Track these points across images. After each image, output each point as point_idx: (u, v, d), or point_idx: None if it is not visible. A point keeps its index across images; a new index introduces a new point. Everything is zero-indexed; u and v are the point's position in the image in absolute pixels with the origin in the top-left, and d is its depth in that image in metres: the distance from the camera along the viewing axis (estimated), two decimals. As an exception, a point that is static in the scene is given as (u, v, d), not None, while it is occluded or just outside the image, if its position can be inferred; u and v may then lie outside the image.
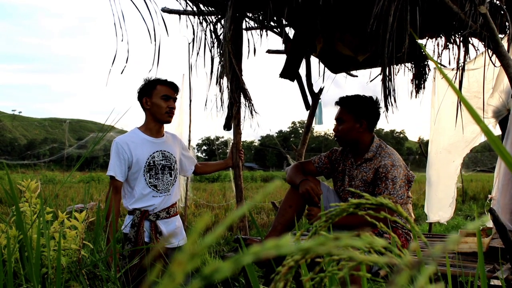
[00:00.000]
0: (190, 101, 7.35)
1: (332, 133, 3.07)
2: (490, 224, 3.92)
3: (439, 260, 2.60)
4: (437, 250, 0.31)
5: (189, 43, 3.41)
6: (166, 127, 2.94)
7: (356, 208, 0.49)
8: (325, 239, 0.32)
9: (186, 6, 3.30)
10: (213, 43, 3.43)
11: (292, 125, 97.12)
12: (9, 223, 1.23)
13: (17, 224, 1.07)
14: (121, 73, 2.84)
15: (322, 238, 0.32)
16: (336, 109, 2.86)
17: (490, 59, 2.72)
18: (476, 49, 2.92)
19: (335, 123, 2.83)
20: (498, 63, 2.62)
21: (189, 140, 7.62)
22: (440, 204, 5.05)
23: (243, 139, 3.43)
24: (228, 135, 3.59)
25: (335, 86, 4.54)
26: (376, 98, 2.83)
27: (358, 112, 2.73)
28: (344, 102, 2.80)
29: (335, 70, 4.19)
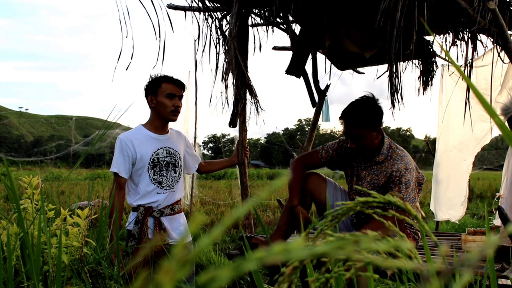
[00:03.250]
0: (196, 98, 7.35)
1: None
2: (498, 222, 3.89)
3: (450, 260, 2.57)
4: (472, 257, 0.28)
5: (194, 40, 3.40)
6: (171, 124, 2.92)
7: (363, 207, 0.47)
8: (343, 242, 0.29)
9: (192, 2, 3.29)
10: (219, 39, 3.41)
11: (298, 122, 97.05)
12: (11, 219, 1.22)
13: (18, 221, 1.05)
14: (126, 69, 2.83)
15: (339, 241, 0.29)
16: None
17: (499, 56, 2.68)
18: (485, 45, 2.88)
19: (350, 139, 2.65)
20: (506, 60, 2.59)
21: (195, 138, 7.62)
22: (450, 203, 5.01)
23: (249, 136, 3.41)
24: (235, 132, 3.55)
25: (342, 83, 4.53)
26: (373, 95, 2.69)
27: (372, 121, 2.60)
28: (355, 118, 2.61)
29: (341, 67, 4.15)
